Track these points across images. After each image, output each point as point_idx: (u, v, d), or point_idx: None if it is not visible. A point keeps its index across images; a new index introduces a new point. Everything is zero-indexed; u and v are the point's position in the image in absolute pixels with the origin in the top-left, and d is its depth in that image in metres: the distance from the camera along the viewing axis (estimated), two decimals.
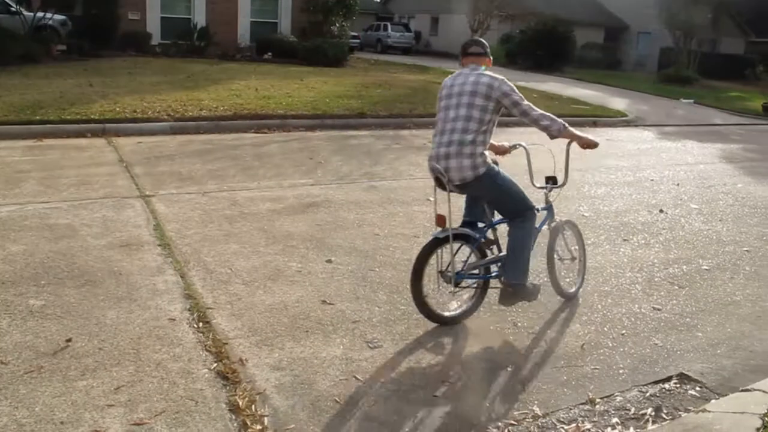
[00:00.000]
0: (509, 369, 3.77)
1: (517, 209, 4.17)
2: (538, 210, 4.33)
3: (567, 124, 4.17)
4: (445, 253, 4.12)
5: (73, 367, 3.46)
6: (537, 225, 4.32)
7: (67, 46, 19.97)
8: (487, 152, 4.08)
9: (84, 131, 9.47)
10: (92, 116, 9.97)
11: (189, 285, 4.53)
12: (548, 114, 4.17)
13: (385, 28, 40.01)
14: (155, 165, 7.88)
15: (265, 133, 10.44)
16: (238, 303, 4.30)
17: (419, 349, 3.91)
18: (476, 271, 4.30)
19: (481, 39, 4.62)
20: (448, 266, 4.11)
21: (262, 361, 3.63)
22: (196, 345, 3.74)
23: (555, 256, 4.58)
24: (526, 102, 4.14)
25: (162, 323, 3.97)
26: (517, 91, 4.16)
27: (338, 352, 3.79)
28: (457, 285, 4.16)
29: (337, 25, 25.11)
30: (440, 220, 4.09)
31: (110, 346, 3.68)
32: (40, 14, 19.69)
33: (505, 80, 4.16)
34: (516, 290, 4.15)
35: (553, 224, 4.61)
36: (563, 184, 4.61)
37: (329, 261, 5.12)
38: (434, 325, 4.19)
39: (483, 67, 4.33)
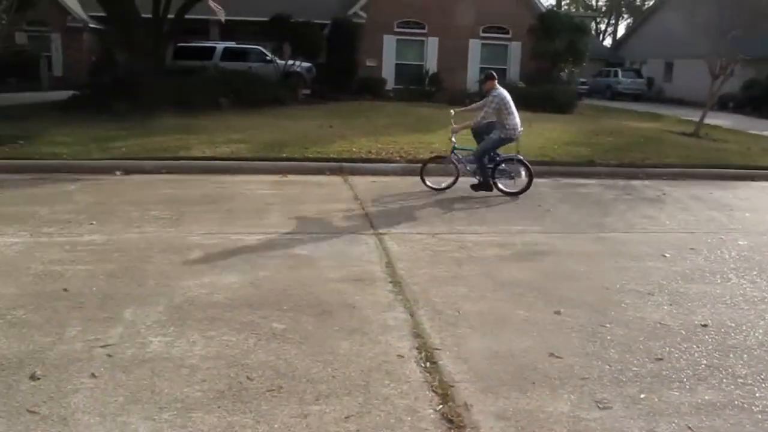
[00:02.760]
0: None
1: None
2: None
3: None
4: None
5: (309, 392, 3.66)
6: None
7: (311, 91, 21.72)
8: None
9: (323, 169, 10.16)
10: (331, 155, 10.68)
11: (417, 324, 4.62)
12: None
13: (615, 74, 38.79)
14: (387, 204, 8.24)
15: None
16: (464, 346, 4.30)
17: (653, 415, 3.63)
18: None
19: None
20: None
21: (487, 408, 3.59)
22: (423, 384, 3.79)
23: None
24: None
25: (391, 359, 4.08)
26: None
27: (565, 408, 3.64)
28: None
29: (566, 71, 24.82)
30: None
31: (342, 376, 3.85)
32: (290, 62, 21.67)
33: None
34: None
35: None
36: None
37: (557, 312, 4.97)
38: (671, 390, 3.88)
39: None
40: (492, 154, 9.14)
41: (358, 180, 9.73)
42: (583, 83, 32.85)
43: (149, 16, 18.83)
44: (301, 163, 10.34)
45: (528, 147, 12.41)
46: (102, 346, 4.14)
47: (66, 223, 7.01)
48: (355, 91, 22.86)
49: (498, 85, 8.98)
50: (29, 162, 10.22)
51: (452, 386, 3.78)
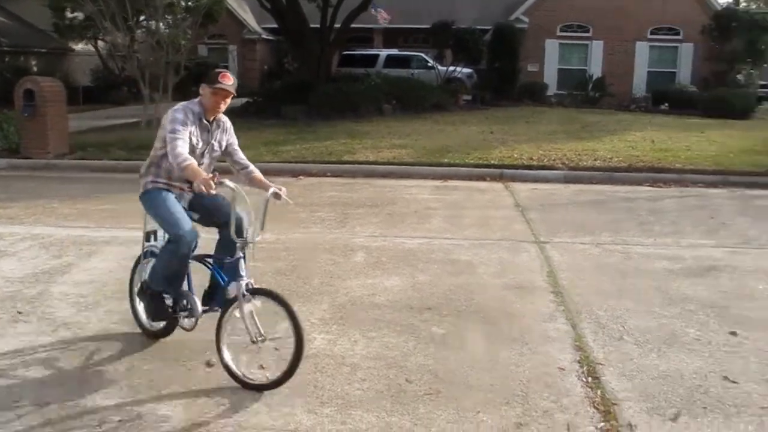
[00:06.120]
0: None
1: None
2: None
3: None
4: None
5: (467, 398, 3.66)
6: None
7: (471, 96, 21.76)
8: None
9: (483, 175, 10.14)
10: (492, 161, 10.63)
11: (579, 336, 4.49)
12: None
13: None
14: (549, 212, 8.07)
15: (660, 187, 9.98)
16: (629, 363, 4.12)
17: None
18: None
19: None
20: None
21: (653, 430, 3.41)
22: (584, 399, 3.68)
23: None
24: None
25: (551, 371, 3.99)
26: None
27: None
28: None
29: (744, 73, 23.13)
30: None
31: (500, 385, 3.81)
32: (451, 68, 21.84)
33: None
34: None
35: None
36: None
37: (733, 333, 4.63)
38: None
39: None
40: None
41: (519, 187, 9.61)
42: (764, 86, 30.32)
43: (317, 26, 19.66)
44: (461, 168, 10.39)
45: (700, 155, 11.73)
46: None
47: None
48: (515, 96, 22.58)
49: None
50: None
51: (615, 404, 3.63)
